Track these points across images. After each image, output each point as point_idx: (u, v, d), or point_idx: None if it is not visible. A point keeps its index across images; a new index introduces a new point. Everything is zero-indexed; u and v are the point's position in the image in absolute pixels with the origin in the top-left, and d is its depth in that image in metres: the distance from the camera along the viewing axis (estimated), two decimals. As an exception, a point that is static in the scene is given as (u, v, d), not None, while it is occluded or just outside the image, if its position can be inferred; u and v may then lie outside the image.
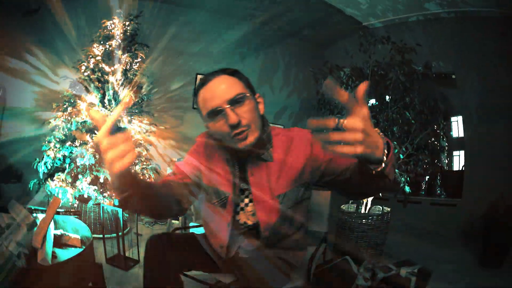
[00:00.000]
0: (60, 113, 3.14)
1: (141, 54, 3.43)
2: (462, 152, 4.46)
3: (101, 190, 3.12)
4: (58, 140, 3.11)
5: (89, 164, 3.07)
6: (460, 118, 4.50)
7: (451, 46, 4.07)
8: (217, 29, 4.63)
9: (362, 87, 0.63)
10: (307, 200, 1.24)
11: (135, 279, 2.33)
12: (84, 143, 3.12)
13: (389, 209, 3.14)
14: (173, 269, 1.17)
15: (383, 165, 0.71)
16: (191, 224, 3.05)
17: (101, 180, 3.12)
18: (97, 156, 3.04)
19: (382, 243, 3.02)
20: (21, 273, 1.10)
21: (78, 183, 3.05)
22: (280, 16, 4.54)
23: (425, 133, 3.08)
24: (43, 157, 3.07)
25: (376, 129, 0.69)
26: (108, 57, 3.26)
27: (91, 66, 3.18)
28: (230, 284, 1.28)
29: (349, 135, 0.61)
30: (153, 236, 1.23)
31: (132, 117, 3.39)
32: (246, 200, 1.20)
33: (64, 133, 3.14)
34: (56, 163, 3.09)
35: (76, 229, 1.55)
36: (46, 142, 3.13)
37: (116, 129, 0.72)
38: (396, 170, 2.98)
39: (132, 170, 0.78)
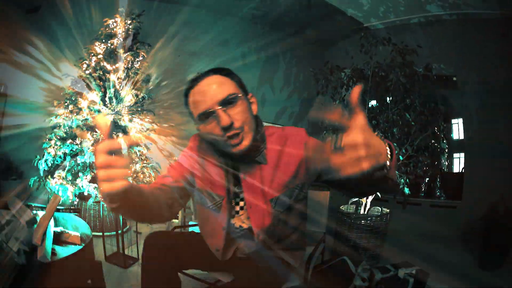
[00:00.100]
0: (61, 111, 3.15)
1: (142, 53, 3.44)
2: (462, 155, 4.45)
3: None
4: (59, 137, 3.12)
5: (89, 162, 3.08)
6: (460, 120, 4.50)
7: (452, 48, 4.06)
8: (218, 28, 4.63)
9: (356, 91, 0.60)
10: (303, 200, 1.21)
11: (134, 277, 2.34)
12: (85, 141, 3.13)
13: (388, 210, 3.14)
14: (172, 267, 1.17)
15: (386, 169, 0.66)
16: (190, 222, 3.06)
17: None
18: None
19: (381, 244, 3.02)
20: (20, 269, 1.10)
21: (78, 181, 3.06)
22: (282, 16, 4.55)
23: (425, 134, 3.08)
24: (44, 154, 3.08)
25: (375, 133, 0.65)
26: (110, 55, 3.27)
27: (93, 64, 3.19)
28: (229, 284, 1.28)
29: (351, 154, 0.56)
30: (152, 234, 1.23)
31: (133, 115, 3.40)
32: (242, 203, 1.18)
33: (65, 130, 3.15)
34: (57, 161, 3.10)
35: (76, 226, 1.56)
36: (47, 139, 3.13)
37: (116, 151, 0.70)
38: (396, 172, 2.98)
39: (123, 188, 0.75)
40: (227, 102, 1.00)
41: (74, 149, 3.11)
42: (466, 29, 3.92)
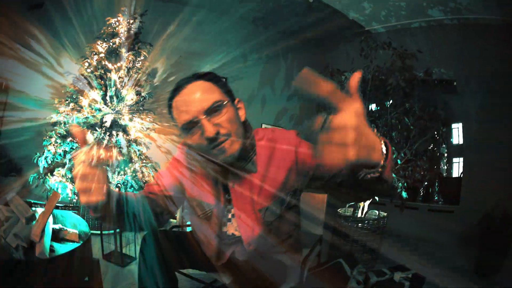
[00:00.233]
0: (62, 109, 3.16)
1: (144, 53, 3.45)
2: (461, 159, 4.46)
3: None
4: (59, 135, 3.13)
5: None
6: (460, 125, 4.51)
7: (453, 53, 4.08)
8: (220, 29, 4.64)
9: (356, 76, 0.53)
10: (296, 206, 1.17)
11: (131, 275, 2.35)
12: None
13: (385, 214, 3.15)
14: (169, 266, 1.16)
15: (381, 169, 0.59)
16: (189, 222, 3.06)
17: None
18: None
19: (378, 248, 3.03)
20: (18, 265, 1.11)
21: (77, 178, 3.06)
22: (283, 18, 4.56)
23: (424, 139, 3.09)
24: (44, 151, 3.09)
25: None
26: (112, 54, 3.28)
27: (94, 62, 3.20)
28: (226, 284, 1.28)
29: (338, 135, 0.48)
30: (149, 233, 1.23)
31: (133, 114, 3.41)
32: (233, 211, 1.14)
33: (66, 128, 3.16)
34: (57, 158, 3.11)
35: (74, 224, 1.56)
36: (47, 137, 3.15)
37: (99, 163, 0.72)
38: (393, 175, 2.99)
39: (101, 202, 0.77)
40: (212, 111, 0.95)
41: (74, 147, 3.12)
42: (466, 34, 3.94)
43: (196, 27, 4.48)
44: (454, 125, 4.66)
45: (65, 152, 3.13)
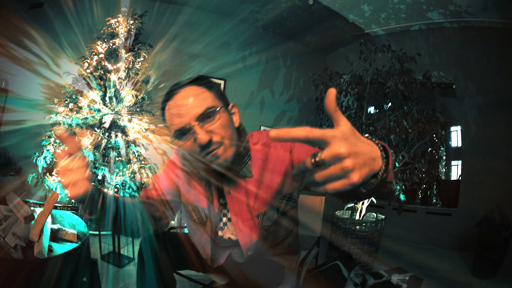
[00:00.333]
0: (61, 109, 3.17)
1: (144, 54, 3.46)
2: (460, 162, 4.47)
3: (99, 186, 3.14)
4: (58, 135, 3.12)
5: (87, 161, 3.08)
6: (459, 128, 4.52)
7: (452, 56, 4.09)
8: (220, 31, 4.66)
9: (331, 94, 0.49)
10: (293, 208, 1.15)
11: (129, 276, 2.35)
12: (84, 140, 3.14)
13: (383, 216, 3.16)
14: (167, 267, 1.16)
15: (385, 174, 0.56)
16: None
17: (99, 177, 3.14)
18: (95, 153, 3.06)
19: (375, 250, 3.03)
20: (17, 265, 1.12)
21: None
22: (283, 20, 4.58)
23: (422, 142, 3.10)
24: (43, 151, 3.09)
25: (366, 134, 0.57)
26: (111, 55, 3.29)
27: (94, 63, 3.20)
28: (223, 285, 1.28)
29: (335, 169, 0.47)
30: (148, 235, 1.23)
31: (132, 115, 3.41)
32: (229, 214, 1.12)
33: (65, 128, 3.16)
34: (56, 158, 3.10)
35: (73, 224, 1.56)
36: (46, 137, 3.15)
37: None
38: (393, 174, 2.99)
39: (88, 191, 0.80)
40: (205, 117, 0.92)
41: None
42: (466, 37, 3.96)
43: (196, 29, 4.50)
44: (453, 128, 4.67)
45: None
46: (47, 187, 3.08)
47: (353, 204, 3.16)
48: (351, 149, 0.47)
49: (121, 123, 3.32)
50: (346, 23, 4.47)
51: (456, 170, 4.71)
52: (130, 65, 3.35)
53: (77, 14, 3.65)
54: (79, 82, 3.33)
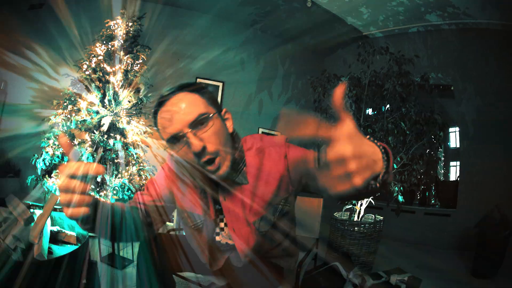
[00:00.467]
0: (60, 111, 3.16)
1: (142, 56, 3.46)
2: (458, 163, 4.49)
3: (97, 189, 3.14)
4: (57, 137, 3.13)
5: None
6: (457, 129, 4.54)
7: (451, 58, 4.11)
8: (218, 33, 4.67)
9: (340, 90, 0.48)
10: (289, 212, 1.13)
11: (128, 278, 2.35)
12: (83, 141, 3.14)
13: (381, 217, 3.16)
14: (166, 269, 1.16)
15: (386, 175, 0.56)
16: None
17: (98, 179, 3.14)
18: (94, 155, 3.06)
19: (374, 251, 3.04)
20: (17, 266, 1.12)
21: (75, 181, 3.05)
22: (281, 22, 4.59)
23: (420, 143, 3.11)
24: (42, 153, 3.08)
25: (367, 136, 0.54)
26: (110, 57, 3.29)
27: (93, 65, 3.20)
28: (223, 287, 1.29)
29: (339, 171, 0.47)
30: (147, 236, 1.24)
31: (130, 118, 3.41)
32: (225, 219, 1.10)
33: (64, 130, 3.16)
34: (55, 160, 3.11)
35: (72, 226, 1.57)
36: (45, 139, 3.14)
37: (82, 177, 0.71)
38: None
39: (85, 215, 0.77)
40: (198, 123, 0.90)
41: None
42: (464, 39, 3.98)
43: (195, 31, 4.50)
44: (451, 129, 4.69)
45: (63, 154, 3.13)
46: (46, 189, 3.07)
47: (351, 206, 3.17)
48: (356, 151, 0.46)
49: (120, 125, 3.32)
50: (344, 25, 4.48)
51: (454, 171, 4.73)
52: (129, 68, 3.35)
53: (74, 17, 3.65)
54: (77, 84, 3.33)
